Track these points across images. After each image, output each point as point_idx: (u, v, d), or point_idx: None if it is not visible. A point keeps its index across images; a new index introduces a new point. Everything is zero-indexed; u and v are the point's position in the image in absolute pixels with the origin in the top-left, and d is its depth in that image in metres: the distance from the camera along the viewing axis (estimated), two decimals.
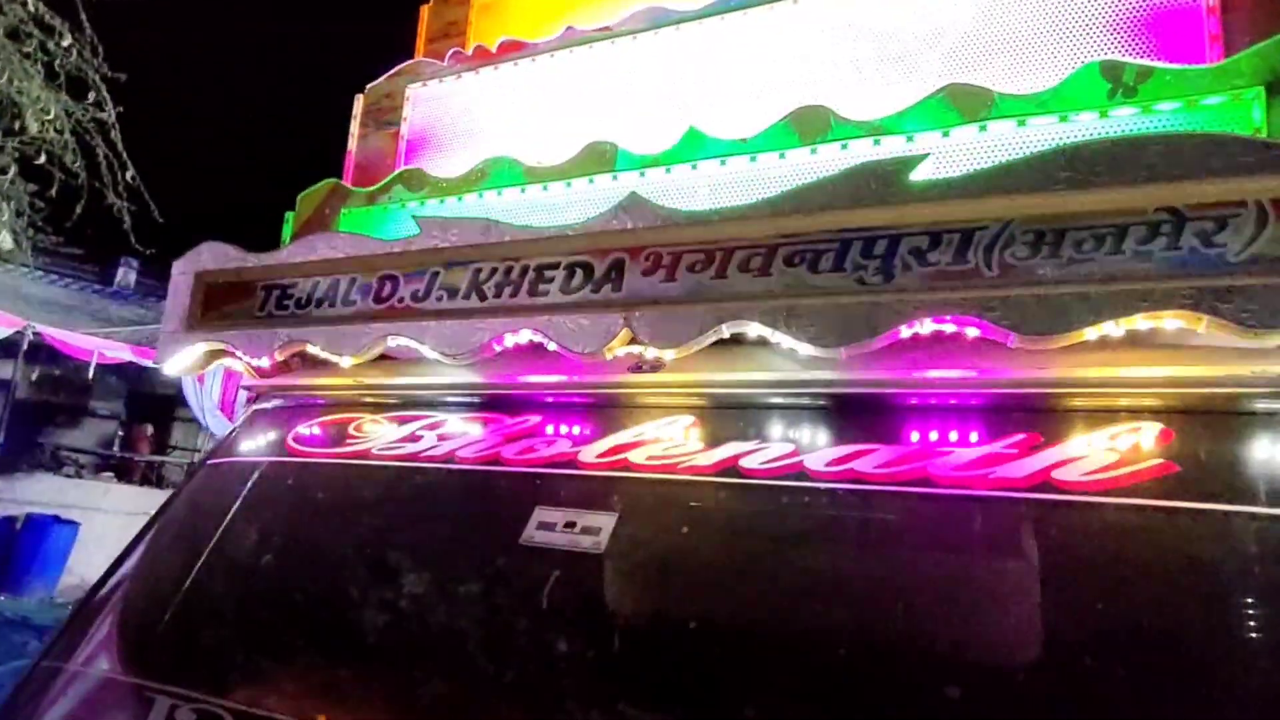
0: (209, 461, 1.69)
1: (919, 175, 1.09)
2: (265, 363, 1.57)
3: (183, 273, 1.71)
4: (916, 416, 1.12)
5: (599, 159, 1.66)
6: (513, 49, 2.09)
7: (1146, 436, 1.00)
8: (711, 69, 1.78)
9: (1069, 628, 0.93)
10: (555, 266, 1.31)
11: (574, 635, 1.09)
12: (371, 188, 1.95)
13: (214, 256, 1.68)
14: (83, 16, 8.60)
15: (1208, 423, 1.00)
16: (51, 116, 9.09)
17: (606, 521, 1.16)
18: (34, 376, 11.99)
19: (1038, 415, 1.06)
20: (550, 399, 1.42)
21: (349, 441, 1.51)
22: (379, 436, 1.48)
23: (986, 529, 1.01)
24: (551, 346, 1.29)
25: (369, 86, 2.29)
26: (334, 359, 1.49)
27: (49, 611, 9.93)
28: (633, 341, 1.24)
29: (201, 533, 1.52)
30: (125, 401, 17.88)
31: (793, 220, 1.15)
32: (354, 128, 2.25)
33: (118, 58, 9.04)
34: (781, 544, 1.12)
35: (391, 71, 2.28)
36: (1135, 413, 1.02)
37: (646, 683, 1.03)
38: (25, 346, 11.36)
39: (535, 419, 1.38)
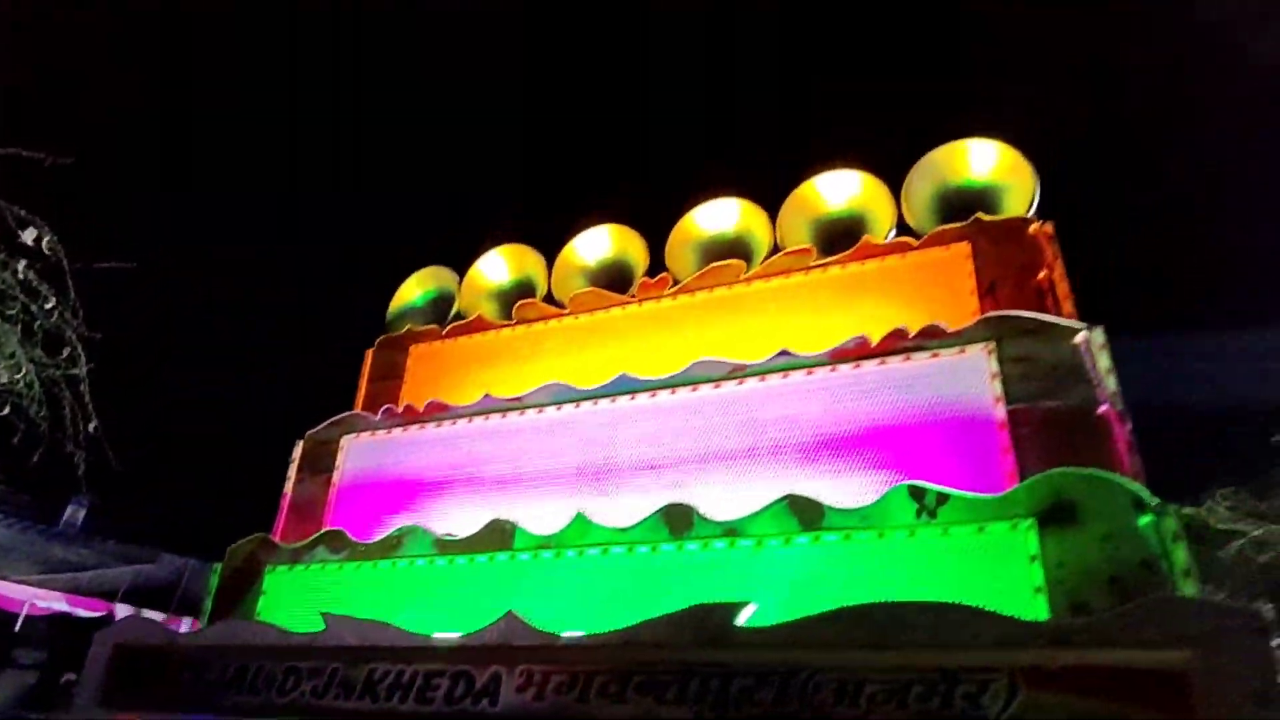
0: None
1: (744, 620, 1.29)
2: None
3: (103, 642, 1.80)
4: None
5: (500, 536, 1.85)
6: (438, 409, 2.37)
7: None
8: (604, 443, 2.05)
9: None
10: (442, 674, 1.44)
11: None
12: (296, 544, 2.10)
13: (135, 627, 1.79)
14: (69, 283, 9.14)
15: None
16: (23, 373, 9.34)
17: None
18: None
19: None
20: None
21: None
22: None
23: None
24: None
25: (308, 434, 2.53)
26: None
27: None
28: None
29: None
30: (49, 650, 16.58)
31: (645, 652, 1.32)
32: (291, 472, 2.45)
33: (94, 318, 9.54)
34: None
35: (329, 421, 2.53)
36: None
37: None
38: None
39: None
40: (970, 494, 1.52)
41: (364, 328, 2.98)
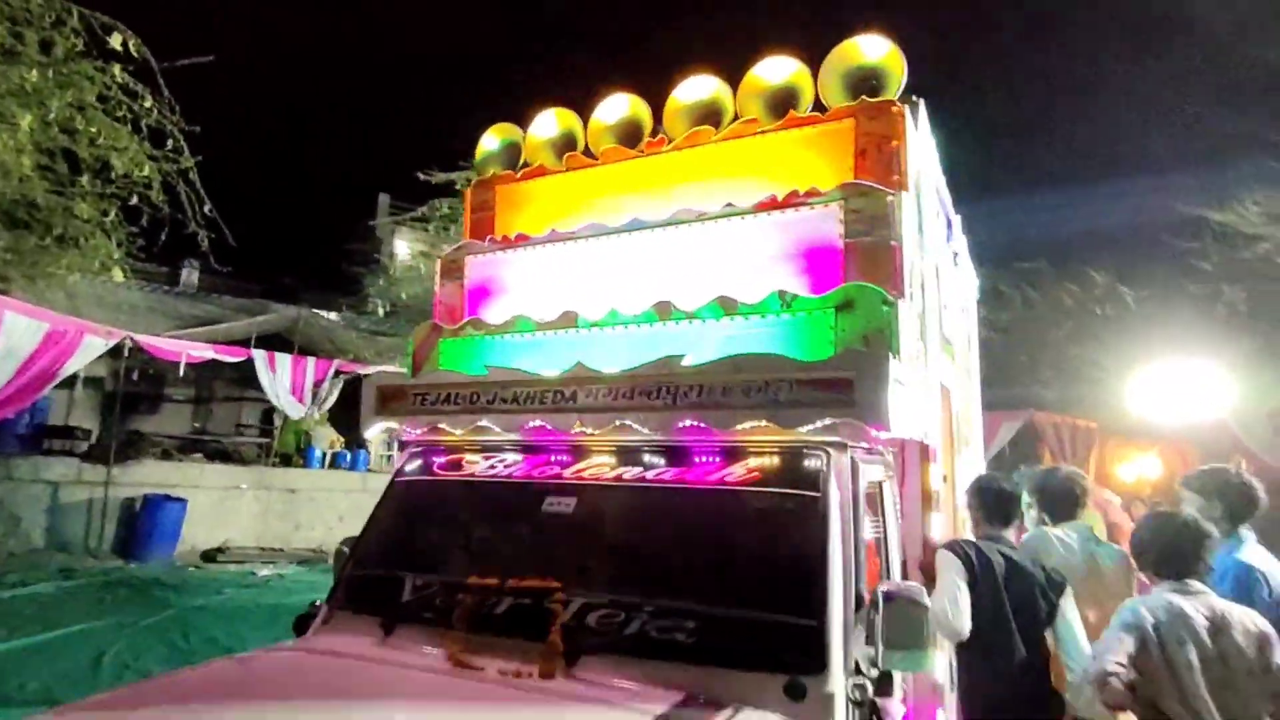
0: (395, 479, 3.44)
1: (686, 361, 2.78)
2: (417, 432, 3.32)
3: (370, 385, 3.45)
4: (681, 454, 2.83)
5: (568, 320, 3.35)
6: (521, 240, 3.77)
7: (758, 462, 2.70)
8: (622, 262, 3.45)
9: None
10: (548, 391, 3.01)
11: (563, 543, 2.84)
12: (454, 327, 3.66)
13: (385, 377, 3.42)
14: (160, 81, 10.38)
15: (777, 455, 2.69)
16: (142, 167, 11.00)
17: (572, 500, 2.90)
18: (119, 371, 13.85)
19: (725, 452, 2.76)
20: (551, 448, 3.14)
21: (460, 468, 3.25)
22: (475, 465, 3.22)
23: (700, 502, 2.73)
24: (549, 426, 3.00)
25: (444, 255, 3.99)
26: (452, 430, 3.22)
27: (175, 574, 12.20)
28: (579, 427, 2.95)
29: (395, 515, 3.29)
30: (195, 388, 20.04)
31: (641, 379, 2.83)
32: (438, 280, 3.96)
33: (194, 113, 10.92)
34: (641, 509, 2.85)
35: (456, 246, 3.98)
36: (755, 454, 2.72)
37: (585, 552, 2.77)
38: (125, 354, 13.43)
39: (545, 456, 3.10)
40: (808, 296, 2.91)
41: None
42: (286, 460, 16.10)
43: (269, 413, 18.31)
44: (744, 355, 2.69)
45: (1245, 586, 3.12)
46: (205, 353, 14.12)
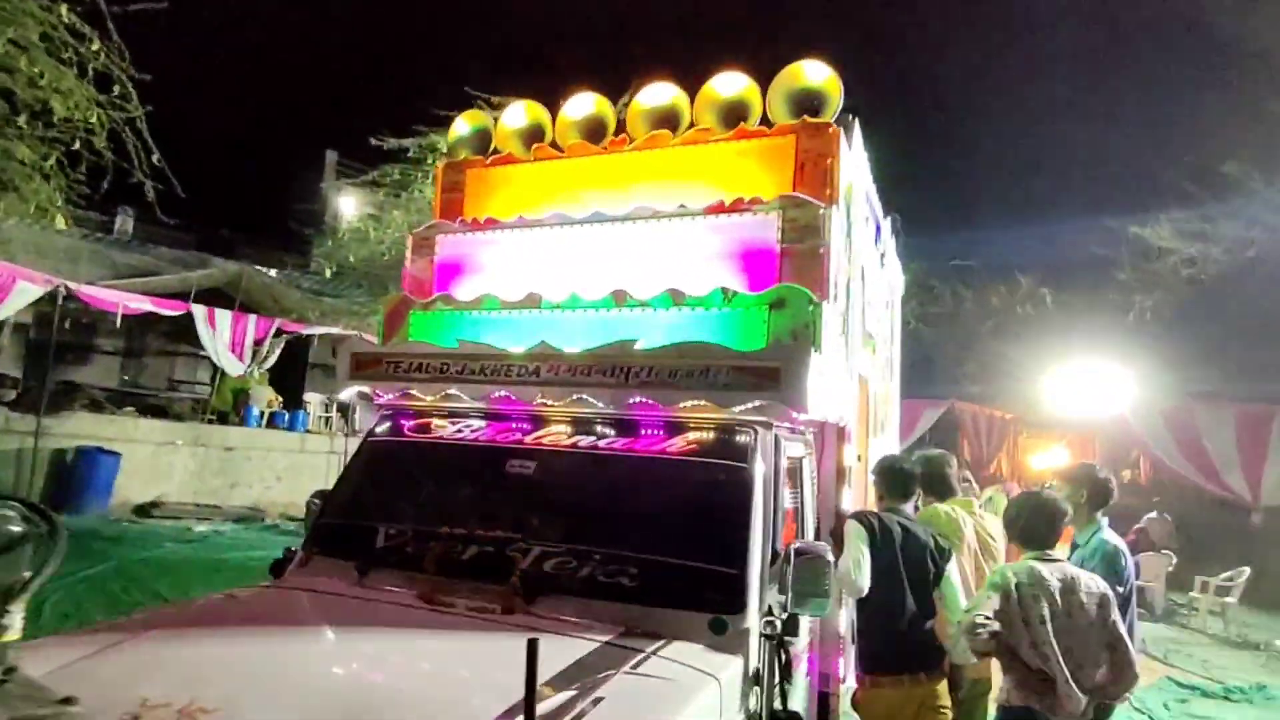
0: (369, 439, 3.74)
1: (639, 345, 3.17)
2: (389, 397, 3.63)
3: (344, 350, 3.74)
4: (630, 426, 3.23)
5: (532, 301, 3.70)
6: (490, 223, 4.09)
7: (696, 435, 3.12)
8: (583, 250, 3.81)
9: None
10: (513, 366, 3.36)
11: (523, 499, 3.22)
12: (424, 301, 3.96)
13: (360, 344, 3.71)
14: (110, 25, 10.22)
15: (712, 431, 3.12)
16: (82, 107, 10.80)
17: (532, 463, 3.27)
18: (52, 319, 13.48)
19: (668, 426, 3.17)
20: (514, 416, 3.50)
21: (429, 431, 3.59)
22: (445, 429, 3.56)
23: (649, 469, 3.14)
24: (514, 397, 3.36)
25: (414, 231, 4.27)
26: (422, 396, 3.55)
27: (112, 527, 12.14)
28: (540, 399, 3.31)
29: (368, 471, 3.61)
30: (126, 340, 19.56)
31: (600, 357, 3.21)
32: (409, 255, 4.25)
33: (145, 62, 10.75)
34: (593, 472, 3.24)
35: (427, 224, 4.27)
36: (694, 428, 3.14)
37: (543, 508, 3.16)
38: (60, 302, 13.16)
39: (509, 424, 3.46)
40: (746, 293, 3.33)
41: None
42: (223, 418, 15.95)
43: (204, 368, 18.04)
44: (689, 343, 3.09)
45: (1113, 561, 3.70)
46: (143, 305, 13.86)
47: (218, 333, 14.87)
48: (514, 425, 3.40)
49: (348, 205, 23.21)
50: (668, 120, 4.01)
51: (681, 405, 3.02)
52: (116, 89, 10.71)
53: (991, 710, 3.58)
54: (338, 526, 3.38)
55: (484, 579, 2.87)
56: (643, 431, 3.18)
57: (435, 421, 3.59)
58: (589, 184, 4.06)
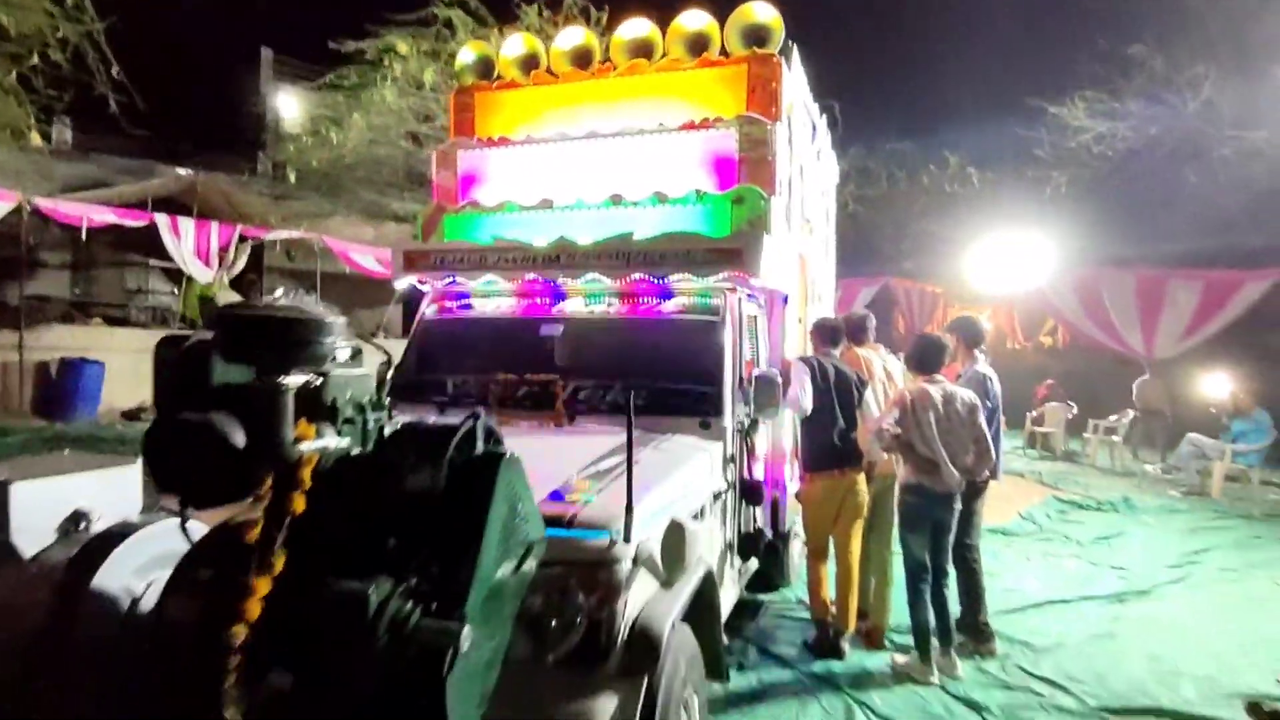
0: (421, 319, 4.78)
1: (636, 236, 4.24)
2: (439, 285, 4.66)
3: (397, 249, 4.72)
4: (633, 296, 4.35)
5: (545, 204, 4.71)
6: (501, 141, 5.03)
7: (682, 300, 4.27)
8: (584, 161, 4.80)
9: None
10: (539, 257, 4.41)
11: (557, 352, 4.34)
12: (455, 206, 4.93)
13: (409, 244, 4.70)
14: None
15: (694, 296, 4.26)
16: (37, 22, 10.97)
17: (561, 326, 4.38)
18: (18, 235, 13.69)
19: (662, 293, 4.30)
20: (542, 293, 4.57)
21: (473, 308, 4.65)
22: (484, 307, 4.62)
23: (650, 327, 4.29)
24: (541, 279, 4.43)
25: (438, 147, 5.18)
26: (467, 281, 4.59)
27: (108, 430, 12.96)
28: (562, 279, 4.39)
29: (429, 341, 4.68)
30: (72, 253, 19.60)
31: (605, 246, 4.28)
32: (434, 168, 5.17)
33: None
34: (608, 329, 4.38)
35: (449, 141, 5.18)
36: (681, 295, 4.28)
37: (572, 357, 4.29)
38: (25, 217, 13.47)
39: (539, 300, 4.54)
40: (715, 193, 4.40)
41: None
42: (192, 326, 16.48)
43: (156, 277, 18.28)
44: (674, 233, 4.19)
45: (981, 384, 5.03)
46: (107, 216, 14.09)
47: (182, 241, 15.19)
48: (543, 301, 4.49)
49: (289, 106, 22.85)
50: (644, 50, 4.93)
51: (671, 278, 4.15)
52: (70, 1, 10.82)
53: (896, 491, 4.96)
54: (413, 381, 4.47)
55: (537, 408, 4.03)
56: (642, 299, 4.31)
57: (477, 302, 4.65)
58: (582, 103, 5.00)
